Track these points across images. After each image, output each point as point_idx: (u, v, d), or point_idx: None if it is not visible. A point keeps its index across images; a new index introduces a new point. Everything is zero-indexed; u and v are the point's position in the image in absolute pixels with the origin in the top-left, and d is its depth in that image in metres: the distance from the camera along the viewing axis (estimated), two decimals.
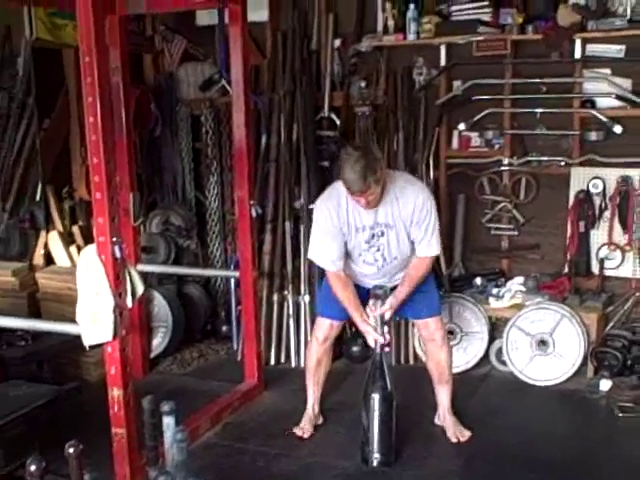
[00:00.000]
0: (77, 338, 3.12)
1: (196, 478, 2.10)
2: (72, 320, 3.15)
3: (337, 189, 3.41)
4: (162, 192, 5.30)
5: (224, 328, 5.08)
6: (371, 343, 3.44)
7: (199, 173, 5.29)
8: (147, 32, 5.33)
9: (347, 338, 4.56)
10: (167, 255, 5.07)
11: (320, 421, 3.86)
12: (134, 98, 4.68)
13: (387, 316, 3.43)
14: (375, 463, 3.37)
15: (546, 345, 4.30)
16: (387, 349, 3.49)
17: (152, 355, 4.75)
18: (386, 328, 3.43)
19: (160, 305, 4.84)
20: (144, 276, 3.68)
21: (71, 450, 1.68)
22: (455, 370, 3.94)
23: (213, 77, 5.07)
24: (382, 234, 3.42)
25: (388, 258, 3.49)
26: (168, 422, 2.31)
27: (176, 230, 5.13)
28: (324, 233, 3.45)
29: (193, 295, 5.15)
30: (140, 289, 3.45)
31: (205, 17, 5.04)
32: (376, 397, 3.34)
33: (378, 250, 3.47)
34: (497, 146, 4.69)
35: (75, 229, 5.06)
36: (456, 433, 3.67)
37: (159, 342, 4.83)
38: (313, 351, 3.76)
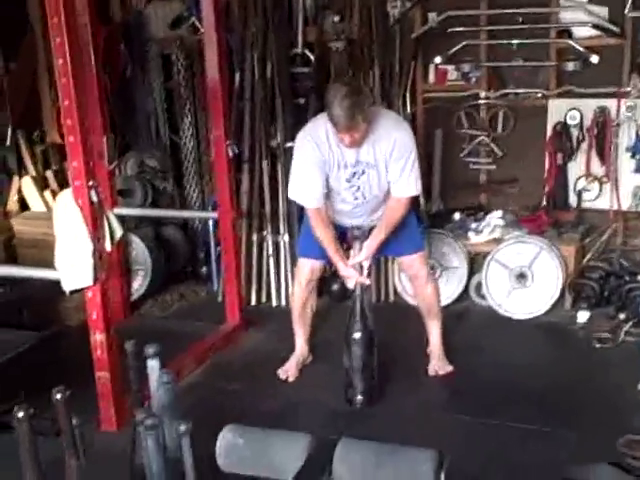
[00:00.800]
0: (56, 283, 3.10)
1: (183, 419, 2.10)
2: (50, 265, 3.12)
3: (319, 124, 3.34)
4: (136, 134, 5.21)
5: (204, 269, 5.07)
6: (351, 286, 3.42)
7: (173, 114, 5.20)
8: None
9: (327, 276, 4.56)
10: (144, 198, 5.03)
11: (309, 360, 3.87)
12: (102, 38, 4.56)
13: (366, 263, 3.41)
14: (358, 404, 3.39)
15: (525, 278, 4.33)
16: (367, 291, 3.47)
17: (132, 298, 4.74)
18: (366, 271, 3.42)
19: (138, 248, 4.81)
20: (121, 219, 3.64)
21: (58, 396, 1.67)
22: None
23: (183, 14, 4.95)
24: (363, 172, 3.36)
25: (368, 196, 3.44)
26: (153, 365, 2.31)
27: (152, 172, 5.08)
28: (306, 168, 3.36)
29: (171, 237, 5.13)
30: (119, 233, 3.43)
31: None
32: (357, 339, 3.34)
33: (358, 189, 3.42)
34: (474, 79, 4.65)
35: (49, 173, 5.00)
36: (437, 367, 3.70)
37: (139, 285, 4.82)
38: (297, 295, 3.75)
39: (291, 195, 3.50)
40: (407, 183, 3.36)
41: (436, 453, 1.74)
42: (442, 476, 1.72)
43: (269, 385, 3.68)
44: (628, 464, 2.66)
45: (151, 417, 1.99)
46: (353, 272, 3.38)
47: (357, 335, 3.35)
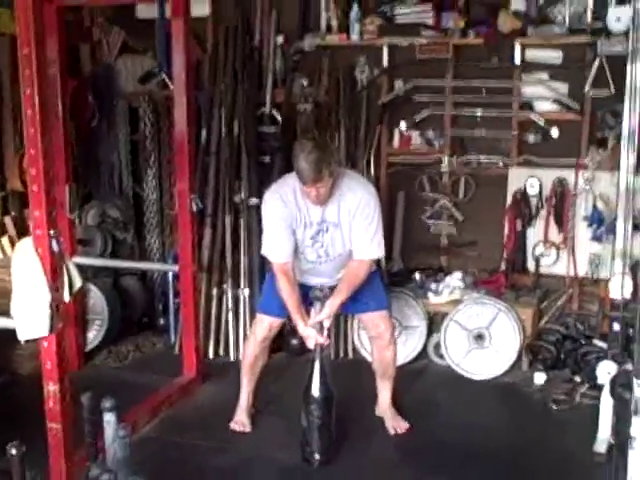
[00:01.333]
0: (10, 331, 3.04)
1: (137, 476, 2.06)
2: (5, 313, 3.06)
3: (287, 183, 3.41)
4: (99, 184, 5.20)
5: (161, 321, 5.04)
6: (311, 346, 3.40)
7: (137, 166, 5.22)
8: (85, 23, 5.22)
9: (286, 331, 4.55)
10: (104, 247, 4.99)
11: (252, 412, 3.83)
12: (71, 89, 4.58)
13: (327, 323, 3.41)
14: (316, 464, 3.37)
15: (483, 339, 4.38)
16: (326, 350, 3.48)
17: (87, 348, 4.68)
18: (325, 331, 3.41)
19: (96, 298, 4.76)
20: (80, 269, 3.60)
21: (13, 451, 1.62)
22: None
23: (153, 70, 4.99)
24: (327, 230, 3.41)
25: (332, 254, 3.48)
26: (109, 419, 2.27)
27: (113, 222, 5.05)
28: (277, 226, 3.41)
29: (129, 287, 5.09)
30: (78, 283, 3.39)
31: (145, 10, 4.94)
32: (315, 399, 3.34)
33: (322, 246, 3.45)
34: (437, 145, 4.75)
35: (7, 220, 4.94)
36: (394, 425, 3.72)
37: (95, 335, 4.76)
38: (251, 349, 3.74)
39: (263, 251, 3.53)
40: (370, 245, 3.40)
41: None
42: None
43: (224, 439, 3.64)
44: None
45: (106, 472, 1.95)
46: (313, 332, 3.37)
47: (316, 394, 3.33)
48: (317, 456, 3.36)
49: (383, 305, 3.66)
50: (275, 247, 3.43)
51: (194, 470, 3.33)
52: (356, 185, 3.42)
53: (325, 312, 3.38)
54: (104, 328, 4.75)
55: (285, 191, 3.40)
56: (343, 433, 3.60)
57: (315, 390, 3.33)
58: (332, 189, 3.30)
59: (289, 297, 3.41)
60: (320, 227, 3.40)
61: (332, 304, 3.39)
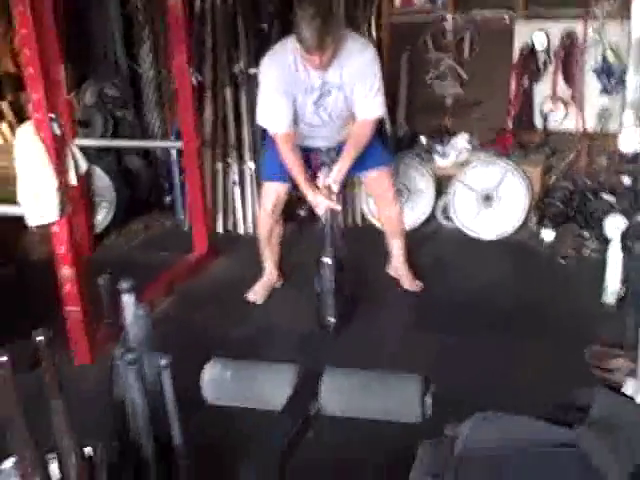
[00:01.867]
0: (19, 218, 3.03)
1: (160, 352, 2.10)
2: (10, 201, 3.04)
3: (285, 48, 3.30)
4: (93, 62, 5.04)
5: (168, 199, 5.03)
6: (321, 213, 3.39)
7: (131, 40, 5.05)
8: None
9: (293, 201, 4.53)
10: (104, 128, 4.91)
11: (279, 284, 3.88)
12: None
13: (335, 188, 3.39)
14: (331, 328, 3.42)
15: (491, 200, 4.37)
16: (336, 217, 3.47)
17: (97, 230, 4.68)
18: (335, 196, 3.39)
19: (101, 179, 4.72)
20: (83, 151, 3.55)
21: (41, 337, 1.64)
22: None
23: None
24: (329, 93, 3.35)
25: (334, 116, 3.43)
26: (128, 299, 2.29)
27: (112, 101, 4.94)
28: (273, 94, 3.31)
29: (133, 167, 5.05)
30: (83, 166, 3.36)
31: None
32: (328, 263, 3.35)
33: (325, 110, 3.40)
34: (440, 2, 4.58)
35: (4, 105, 4.81)
36: (408, 283, 3.78)
37: (103, 217, 4.76)
38: (263, 222, 3.73)
39: (259, 121, 3.46)
40: (372, 104, 3.36)
41: (421, 378, 1.78)
42: (429, 401, 1.76)
43: (240, 312, 3.68)
44: (594, 375, 2.75)
45: (131, 351, 1.98)
46: (322, 198, 3.35)
47: (328, 260, 3.35)
48: (332, 320, 3.40)
49: (385, 162, 3.64)
50: (274, 116, 3.36)
51: (214, 344, 3.35)
52: (357, 47, 3.33)
53: (334, 175, 3.36)
54: (112, 209, 4.75)
55: (284, 56, 3.28)
56: (358, 295, 3.64)
57: (327, 256, 3.35)
58: (334, 52, 3.21)
59: (294, 165, 3.38)
60: (322, 91, 3.34)
61: (341, 167, 3.37)
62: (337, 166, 3.37)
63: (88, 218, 4.51)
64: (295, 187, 3.53)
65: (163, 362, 1.99)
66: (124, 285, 2.26)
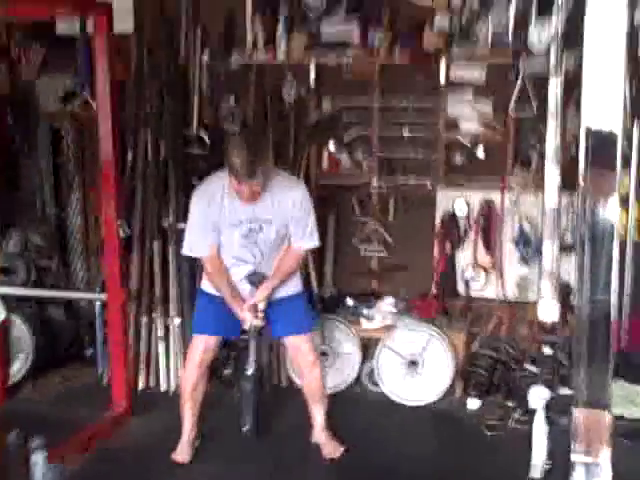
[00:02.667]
0: None
1: None
2: None
3: (214, 180, 3.48)
4: (20, 210, 5.01)
5: (89, 351, 4.90)
6: (246, 327, 3.56)
7: (60, 189, 5.06)
8: (1, 39, 5.01)
9: (219, 361, 4.48)
10: (27, 276, 4.82)
11: (197, 444, 3.80)
12: None
13: (261, 306, 3.53)
14: (248, 433, 3.60)
15: (417, 365, 4.39)
16: (261, 328, 3.62)
17: (11, 381, 4.52)
18: (260, 314, 3.54)
19: (20, 329, 4.61)
20: (2, 299, 3.49)
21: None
22: (329, 391, 3.98)
23: (75, 89, 4.84)
24: (260, 229, 3.45)
25: (265, 250, 3.52)
26: (37, 459, 2.18)
27: (36, 250, 4.88)
28: (199, 222, 3.49)
29: (55, 317, 4.93)
30: (1, 314, 3.28)
31: (65, 27, 4.74)
32: (249, 376, 3.58)
33: (256, 245, 3.49)
34: (366, 166, 4.75)
35: None
36: (330, 449, 3.74)
37: (19, 368, 4.61)
38: (189, 375, 3.69)
39: (184, 251, 3.61)
40: (308, 236, 3.55)
41: None
42: None
43: (161, 472, 3.59)
44: None
45: None
46: (248, 315, 3.51)
47: (249, 372, 3.58)
48: (247, 426, 3.60)
49: (307, 328, 3.72)
50: (196, 242, 3.52)
51: None
52: (287, 182, 3.54)
53: (259, 297, 3.52)
54: (29, 360, 4.61)
55: (212, 191, 3.45)
56: (279, 459, 3.66)
57: (249, 368, 3.59)
58: (264, 186, 3.34)
59: (221, 284, 3.53)
60: (251, 225, 3.44)
61: (266, 287, 3.52)
62: (262, 288, 3.52)
63: (1, 369, 4.35)
64: (225, 342, 3.73)
65: None
66: (35, 443, 2.16)
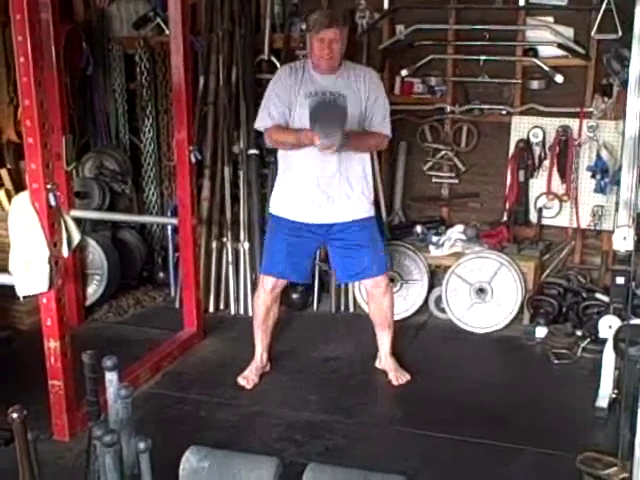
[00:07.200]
0: (8, 287, 3.01)
1: (140, 435, 2.04)
2: (3, 269, 3.02)
3: (299, 61, 3.67)
4: (95, 135, 5.10)
5: (161, 275, 5.02)
6: (317, 144, 3.26)
7: (134, 115, 5.11)
8: None
9: (287, 285, 4.52)
10: (101, 200, 4.91)
11: (267, 369, 3.84)
12: (64, 36, 4.45)
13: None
14: None
15: (484, 293, 4.34)
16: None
17: (87, 303, 4.64)
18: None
19: (95, 252, 4.70)
20: (78, 222, 3.55)
21: (15, 415, 1.60)
22: (395, 317, 3.93)
23: (148, 15, 4.87)
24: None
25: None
26: (111, 378, 2.24)
27: (110, 174, 4.96)
28: (272, 93, 3.52)
29: (128, 241, 5.03)
30: (76, 238, 3.35)
31: None
32: None
33: None
34: (439, 93, 4.65)
35: (3, 172, 4.84)
36: (397, 375, 3.73)
37: (94, 290, 4.71)
38: (261, 300, 3.72)
39: (255, 125, 3.66)
40: (385, 121, 3.54)
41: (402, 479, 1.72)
42: None
43: (226, 395, 3.63)
44: None
45: (110, 434, 1.93)
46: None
47: None
48: None
49: (382, 270, 3.67)
50: (267, 113, 3.51)
51: (196, 425, 3.33)
52: (362, 67, 3.69)
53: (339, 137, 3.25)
54: (103, 282, 4.70)
55: (296, 65, 3.58)
56: (346, 387, 3.63)
57: None
58: (341, 65, 3.46)
59: (283, 132, 3.48)
60: (325, 96, 3.43)
61: (346, 133, 3.27)
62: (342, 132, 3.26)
63: (78, 290, 4.48)
64: (291, 280, 3.77)
65: (142, 446, 1.94)
66: (108, 363, 2.22)
